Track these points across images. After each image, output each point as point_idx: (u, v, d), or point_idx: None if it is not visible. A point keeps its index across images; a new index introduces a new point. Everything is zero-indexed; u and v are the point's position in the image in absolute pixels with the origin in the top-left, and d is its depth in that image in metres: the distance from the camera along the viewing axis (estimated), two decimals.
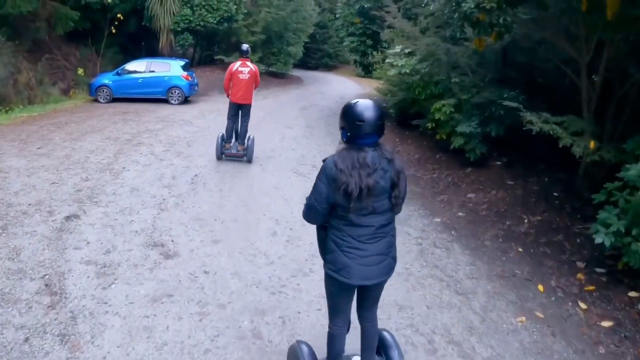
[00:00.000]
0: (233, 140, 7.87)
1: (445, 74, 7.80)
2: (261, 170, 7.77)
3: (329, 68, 31.42)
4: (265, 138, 9.60)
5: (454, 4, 6.24)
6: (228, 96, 7.66)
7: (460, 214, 6.51)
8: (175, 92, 14.22)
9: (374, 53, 12.72)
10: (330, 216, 2.43)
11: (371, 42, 12.60)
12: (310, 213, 2.44)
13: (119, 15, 16.91)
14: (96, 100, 14.20)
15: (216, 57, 20.75)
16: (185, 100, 14.57)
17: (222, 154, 7.82)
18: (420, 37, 7.91)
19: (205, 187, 6.71)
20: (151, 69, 14.38)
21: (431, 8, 6.34)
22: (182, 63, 14.62)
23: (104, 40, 17.34)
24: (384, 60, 13.16)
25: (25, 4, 12.42)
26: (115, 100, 14.20)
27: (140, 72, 14.36)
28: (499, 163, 7.88)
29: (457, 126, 7.80)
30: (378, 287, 2.56)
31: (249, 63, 7.57)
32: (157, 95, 14.31)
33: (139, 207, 5.79)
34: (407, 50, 7.68)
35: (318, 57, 30.82)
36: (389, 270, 2.48)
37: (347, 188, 2.26)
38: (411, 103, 10.27)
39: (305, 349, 2.69)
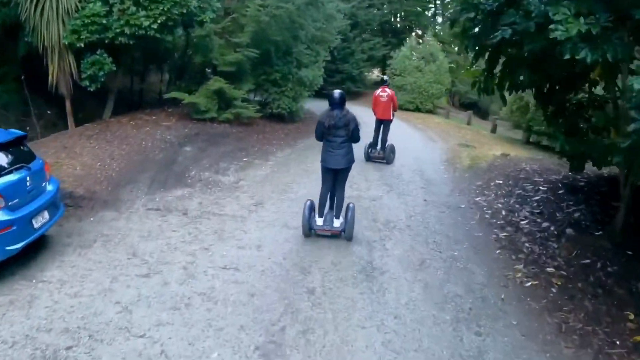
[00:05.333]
0: (378, 147, 10.35)
1: None
2: None
3: (352, 95, 21.79)
4: None
5: None
6: (375, 114, 10.45)
7: None
8: None
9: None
10: (323, 136, 5.87)
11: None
12: (316, 135, 5.96)
13: None
14: None
15: (166, 96, 11.10)
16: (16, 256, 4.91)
17: (370, 158, 10.34)
18: None
19: None
20: None
21: None
22: None
23: None
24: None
25: None
26: None
27: None
28: None
29: None
30: (343, 172, 5.97)
31: (387, 89, 10.34)
32: None
33: None
34: None
35: (337, 80, 21.20)
36: (346, 164, 5.87)
37: (324, 123, 5.75)
38: None
39: (309, 202, 6.02)
